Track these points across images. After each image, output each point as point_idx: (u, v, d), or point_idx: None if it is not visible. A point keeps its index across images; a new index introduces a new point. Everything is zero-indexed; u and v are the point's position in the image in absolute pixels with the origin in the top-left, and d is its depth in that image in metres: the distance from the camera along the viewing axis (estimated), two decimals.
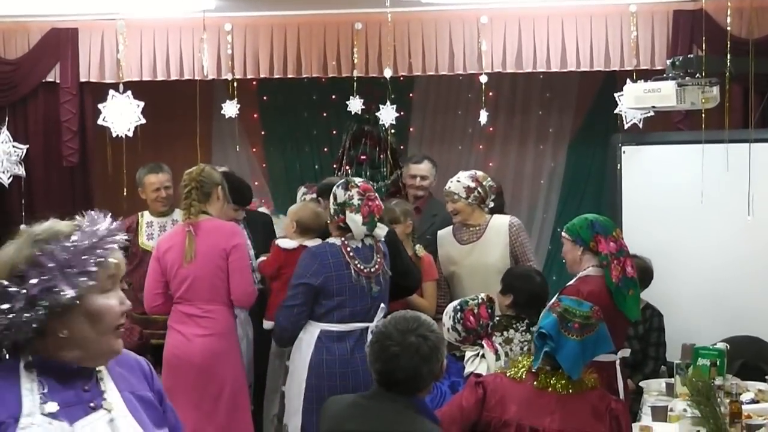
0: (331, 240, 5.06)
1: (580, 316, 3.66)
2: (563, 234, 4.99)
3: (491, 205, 5.92)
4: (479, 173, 5.94)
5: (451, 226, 5.99)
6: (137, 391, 2.28)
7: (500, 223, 5.86)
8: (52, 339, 2.11)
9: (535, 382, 3.63)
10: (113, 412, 2.17)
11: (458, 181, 5.84)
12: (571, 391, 3.59)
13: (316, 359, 4.87)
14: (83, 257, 2.09)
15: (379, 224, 5.04)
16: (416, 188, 6.82)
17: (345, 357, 4.86)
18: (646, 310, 5.89)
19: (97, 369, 2.21)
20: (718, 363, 4.96)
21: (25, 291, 2.03)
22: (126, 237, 2.24)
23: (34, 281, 2.04)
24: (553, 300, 3.80)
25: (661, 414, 4.58)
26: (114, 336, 2.18)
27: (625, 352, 5.02)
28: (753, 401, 4.75)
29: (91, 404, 2.16)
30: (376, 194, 5.13)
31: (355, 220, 4.92)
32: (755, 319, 6.16)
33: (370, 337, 4.81)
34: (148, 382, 2.34)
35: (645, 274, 5.77)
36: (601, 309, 4.48)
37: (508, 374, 3.71)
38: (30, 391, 2.09)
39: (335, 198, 4.98)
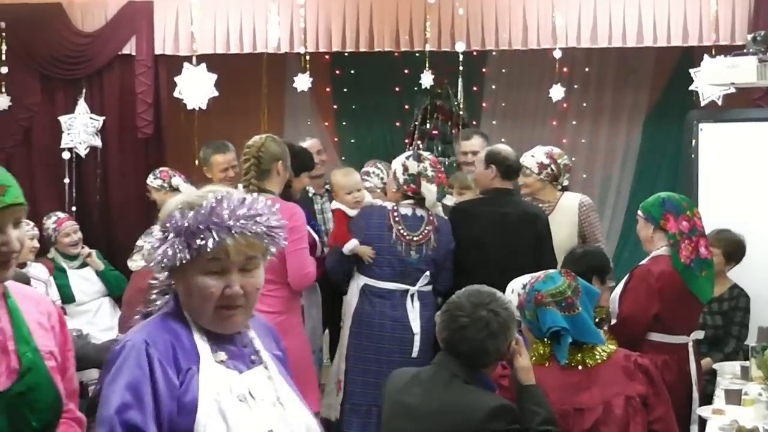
0: (383, 203, 5.43)
1: (563, 290, 3.52)
2: (638, 212, 4.90)
3: (565, 183, 5.82)
4: (555, 150, 5.83)
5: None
6: (273, 351, 2.39)
7: (570, 201, 5.75)
8: (180, 294, 2.24)
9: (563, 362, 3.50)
10: (269, 370, 2.29)
11: (532, 156, 5.75)
12: (599, 361, 3.49)
13: (359, 308, 5.28)
14: (199, 227, 2.14)
15: (447, 195, 5.50)
16: (470, 164, 6.57)
17: (384, 311, 5.22)
18: (733, 289, 5.70)
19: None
20: None
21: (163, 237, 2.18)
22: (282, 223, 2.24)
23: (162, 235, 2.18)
24: (528, 294, 3.57)
25: (734, 397, 4.48)
26: (216, 314, 2.21)
27: (699, 335, 4.91)
28: None
29: (252, 358, 2.29)
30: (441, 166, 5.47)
31: (431, 189, 5.27)
32: None
33: (409, 300, 5.18)
34: (277, 343, 2.45)
35: (738, 248, 5.63)
36: (673, 290, 4.43)
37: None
38: (201, 340, 2.22)
39: (406, 169, 5.30)
